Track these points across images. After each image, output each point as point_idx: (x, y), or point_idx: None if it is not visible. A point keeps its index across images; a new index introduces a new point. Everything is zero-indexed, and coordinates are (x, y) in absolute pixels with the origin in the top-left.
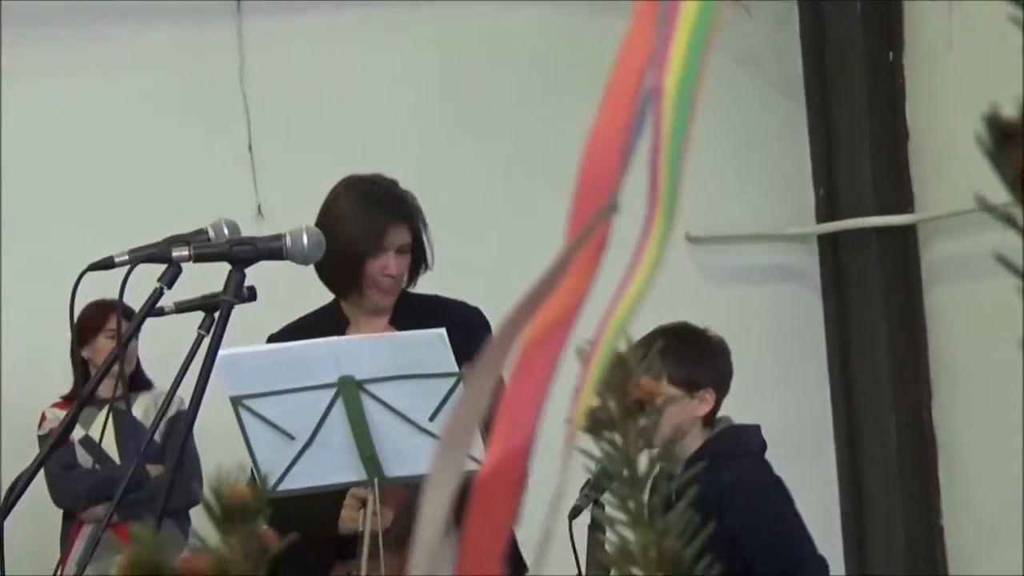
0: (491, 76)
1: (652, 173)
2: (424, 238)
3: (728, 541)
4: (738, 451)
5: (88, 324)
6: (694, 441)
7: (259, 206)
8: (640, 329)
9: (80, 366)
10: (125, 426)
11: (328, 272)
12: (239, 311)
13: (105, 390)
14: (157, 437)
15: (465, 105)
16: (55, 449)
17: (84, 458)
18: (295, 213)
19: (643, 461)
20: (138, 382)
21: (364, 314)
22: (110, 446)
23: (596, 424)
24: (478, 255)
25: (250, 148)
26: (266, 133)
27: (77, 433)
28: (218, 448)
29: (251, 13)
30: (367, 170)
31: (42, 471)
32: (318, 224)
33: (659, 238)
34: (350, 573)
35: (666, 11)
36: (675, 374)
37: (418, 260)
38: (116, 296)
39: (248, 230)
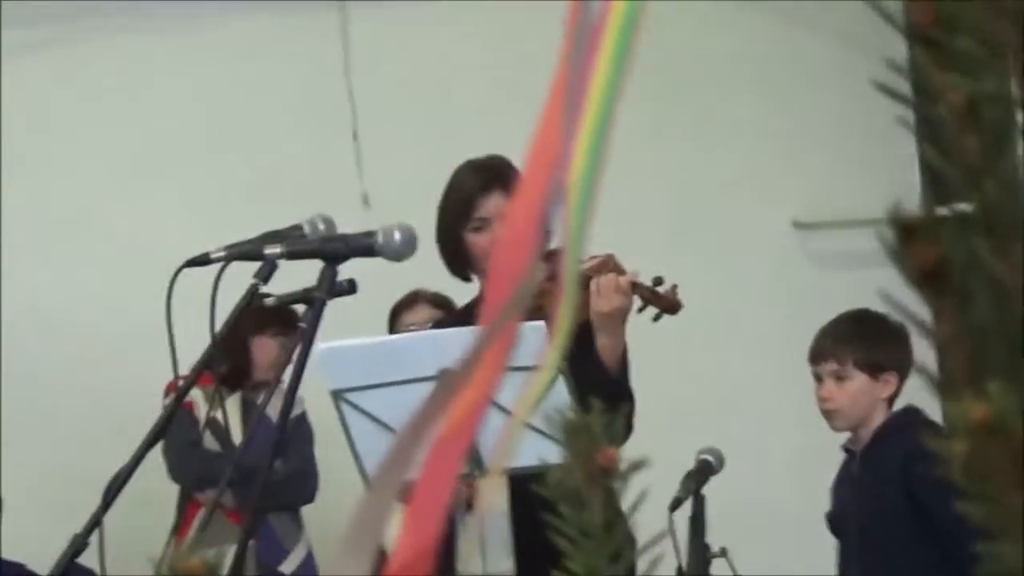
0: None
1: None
2: None
3: (913, 503)
4: (919, 423)
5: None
6: (878, 423)
7: (365, 195)
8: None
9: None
10: (252, 415)
11: (441, 252)
12: (350, 303)
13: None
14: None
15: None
16: (161, 435)
17: (209, 440)
18: (401, 202)
19: (607, 530)
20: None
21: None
22: (236, 433)
23: (561, 491)
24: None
25: (355, 137)
26: (371, 122)
27: (204, 413)
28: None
29: (356, 1)
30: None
31: (165, 444)
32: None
33: (563, 327)
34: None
35: (574, 100)
36: (859, 358)
37: None
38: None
39: (354, 220)
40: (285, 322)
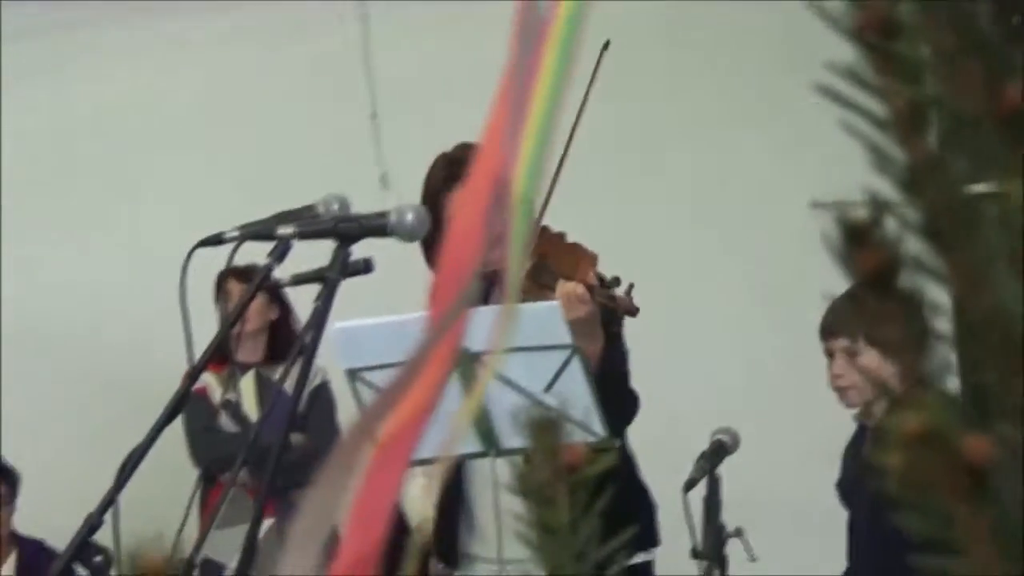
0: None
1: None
2: None
3: None
4: None
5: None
6: None
7: (383, 176)
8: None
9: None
10: (268, 393)
11: (425, 251)
12: (366, 282)
13: (245, 355)
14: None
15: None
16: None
17: (226, 422)
18: (420, 183)
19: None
20: (282, 351)
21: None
22: (252, 412)
23: (527, 487)
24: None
25: (374, 118)
26: (390, 103)
27: (219, 397)
28: None
29: None
30: None
31: (184, 431)
32: None
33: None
34: None
35: (520, 100)
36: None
37: None
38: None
39: (372, 200)
40: (243, 275)
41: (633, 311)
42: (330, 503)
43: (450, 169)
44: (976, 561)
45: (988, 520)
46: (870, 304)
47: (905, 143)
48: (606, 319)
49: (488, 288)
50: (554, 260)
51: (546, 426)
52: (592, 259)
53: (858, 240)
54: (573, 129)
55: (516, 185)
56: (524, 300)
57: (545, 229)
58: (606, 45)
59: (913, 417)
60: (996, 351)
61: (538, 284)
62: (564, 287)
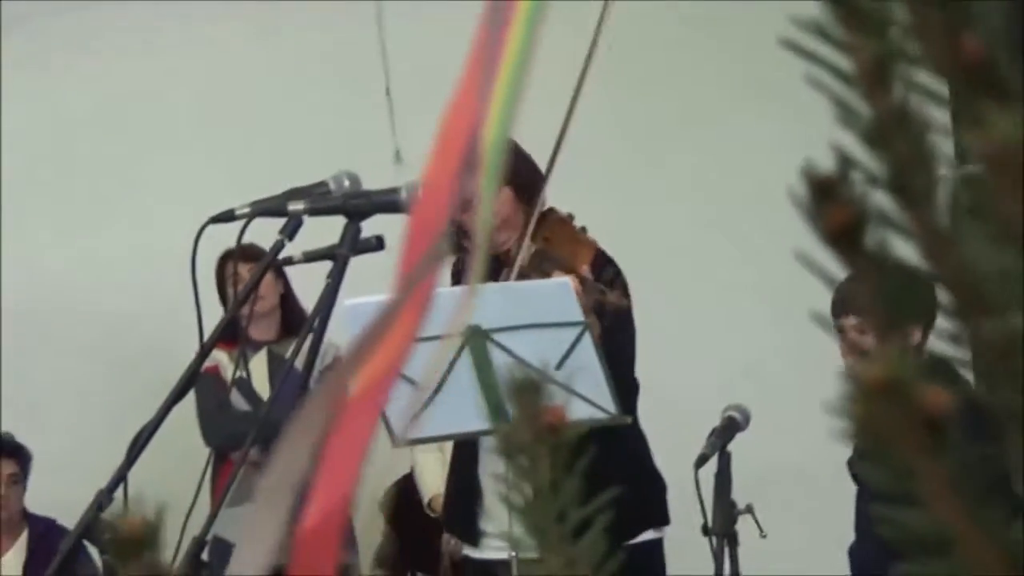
0: (641, 24)
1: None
2: (511, 166)
3: None
4: None
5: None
6: None
7: (397, 151)
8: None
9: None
10: (280, 370)
11: None
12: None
13: (259, 333)
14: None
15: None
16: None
17: (238, 400)
18: None
19: (558, 490)
20: (294, 327)
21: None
22: (263, 389)
23: (509, 448)
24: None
25: (388, 93)
26: (404, 78)
27: (232, 375)
28: None
29: None
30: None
31: (196, 409)
32: None
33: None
34: None
35: (491, 59)
36: None
37: (517, 186)
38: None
39: (386, 175)
40: (249, 256)
41: (623, 309)
42: (299, 459)
43: None
44: (937, 514)
45: (947, 473)
46: (843, 259)
47: (870, 97)
48: (598, 311)
49: (497, 269)
50: (556, 247)
51: (528, 388)
52: (591, 248)
53: (825, 196)
54: (573, 104)
55: (485, 142)
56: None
57: (552, 212)
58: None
59: (873, 368)
60: (961, 306)
61: (540, 271)
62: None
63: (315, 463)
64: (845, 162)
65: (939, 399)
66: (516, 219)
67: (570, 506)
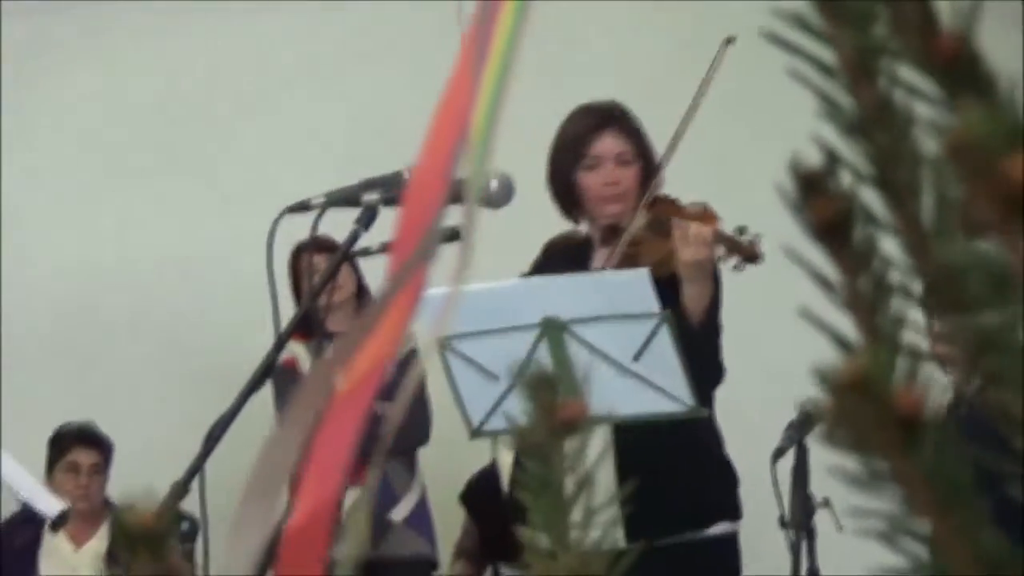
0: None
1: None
2: (646, 148)
3: None
4: None
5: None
6: None
7: None
8: None
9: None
10: None
11: (553, 195)
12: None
13: (335, 325)
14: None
15: (684, 34)
16: (261, 381)
17: None
18: (506, 149)
19: (569, 484)
20: None
21: (599, 242)
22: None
23: (524, 445)
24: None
25: None
26: None
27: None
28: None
29: None
30: (577, 103)
31: (273, 402)
32: None
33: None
34: None
35: (480, 54)
36: None
37: (648, 172)
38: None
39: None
40: (324, 247)
41: (755, 257)
42: (287, 453)
43: (593, 115)
44: (916, 510)
45: (921, 471)
46: (830, 252)
47: (853, 90)
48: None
49: (608, 238)
50: (678, 215)
51: (543, 383)
52: (715, 215)
53: (811, 190)
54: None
55: (473, 130)
56: (639, 250)
57: (664, 196)
58: (729, 40)
59: (847, 366)
60: (946, 303)
61: (655, 233)
62: (690, 226)
63: (303, 459)
64: (831, 156)
65: (911, 398)
66: (635, 196)
67: (583, 503)
